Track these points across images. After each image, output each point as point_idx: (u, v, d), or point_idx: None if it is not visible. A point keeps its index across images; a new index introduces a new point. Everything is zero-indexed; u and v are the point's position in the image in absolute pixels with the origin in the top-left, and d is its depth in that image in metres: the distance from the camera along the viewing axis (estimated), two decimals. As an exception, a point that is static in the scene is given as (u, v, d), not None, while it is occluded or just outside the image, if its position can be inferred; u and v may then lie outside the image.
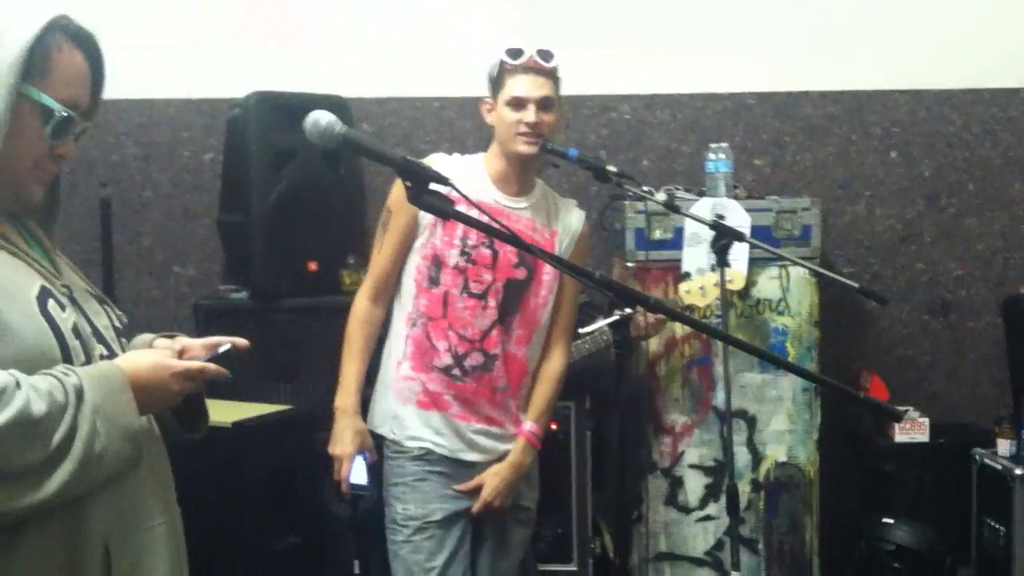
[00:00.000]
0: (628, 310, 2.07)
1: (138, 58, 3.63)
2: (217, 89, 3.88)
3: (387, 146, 1.81)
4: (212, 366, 1.64)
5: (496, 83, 2.64)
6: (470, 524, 2.70)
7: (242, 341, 1.71)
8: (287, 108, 3.48)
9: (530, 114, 2.58)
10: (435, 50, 3.95)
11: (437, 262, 2.62)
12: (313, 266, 3.61)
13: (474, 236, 2.58)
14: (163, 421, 1.68)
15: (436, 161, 2.64)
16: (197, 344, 1.69)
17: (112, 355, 1.61)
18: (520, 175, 2.67)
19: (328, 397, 3.01)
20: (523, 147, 2.60)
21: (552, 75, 2.64)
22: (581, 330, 3.23)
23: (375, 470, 2.71)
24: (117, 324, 1.68)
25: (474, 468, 2.69)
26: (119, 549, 1.54)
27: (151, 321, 3.85)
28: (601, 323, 3.22)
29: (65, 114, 1.55)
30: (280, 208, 3.53)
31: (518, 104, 2.60)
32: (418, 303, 2.64)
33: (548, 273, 2.70)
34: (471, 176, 2.63)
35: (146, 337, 1.73)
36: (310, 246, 3.62)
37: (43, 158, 1.57)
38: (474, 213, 1.88)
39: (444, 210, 1.76)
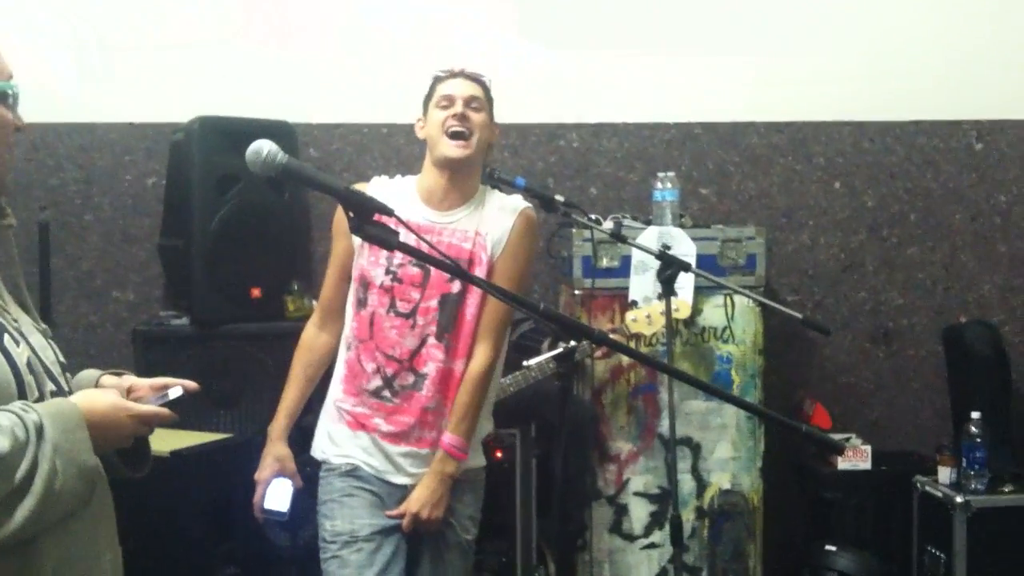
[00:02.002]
0: (572, 343, 2.07)
1: (80, 82, 3.59)
2: (160, 114, 3.84)
3: (329, 175, 1.80)
4: (166, 411, 1.64)
5: (427, 97, 2.67)
6: (404, 544, 2.62)
7: (193, 385, 1.70)
8: (231, 133, 3.45)
9: (457, 106, 2.59)
10: (381, 76, 3.94)
11: (364, 283, 2.61)
12: (256, 292, 3.56)
13: (400, 256, 2.55)
14: (107, 458, 1.66)
15: (372, 184, 2.66)
16: (145, 384, 1.68)
17: (60, 391, 1.61)
18: (450, 187, 2.62)
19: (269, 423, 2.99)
20: (452, 150, 2.57)
21: (481, 82, 2.66)
22: (525, 362, 3.24)
23: (301, 497, 2.68)
24: (61, 359, 1.68)
25: (403, 491, 2.62)
26: None
27: (89, 347, 3.81)
28: (545, 355, 3.23)
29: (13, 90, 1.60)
30: (223, 233, 3.48)
31: (447, 102, 2.61)
32: (352, 326, 2.64)
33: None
34: (401, 196, 2.60)
35: (92, 374, 1.73)
36: (253, 272, 3.58)
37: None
38: (413, 240, 1.90)
39: (387, 241, 1.74)
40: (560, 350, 2.40)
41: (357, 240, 2.58)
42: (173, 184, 3.59)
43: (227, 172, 3.47)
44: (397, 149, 3.97)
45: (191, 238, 3.47)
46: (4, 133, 1.59)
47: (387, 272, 2.59)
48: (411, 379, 2.60)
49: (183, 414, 1.69)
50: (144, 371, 3.38)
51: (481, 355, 2.64)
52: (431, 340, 2.60)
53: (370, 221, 1.72)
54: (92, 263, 3.93)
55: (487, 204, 2.68)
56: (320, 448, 2.68)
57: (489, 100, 2.68)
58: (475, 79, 2.65)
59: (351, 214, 1.72)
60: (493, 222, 2.66)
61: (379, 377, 2.60)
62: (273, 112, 3.67)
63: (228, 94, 3.80)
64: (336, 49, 3.99)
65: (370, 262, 2.60)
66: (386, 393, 2.60)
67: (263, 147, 1.72)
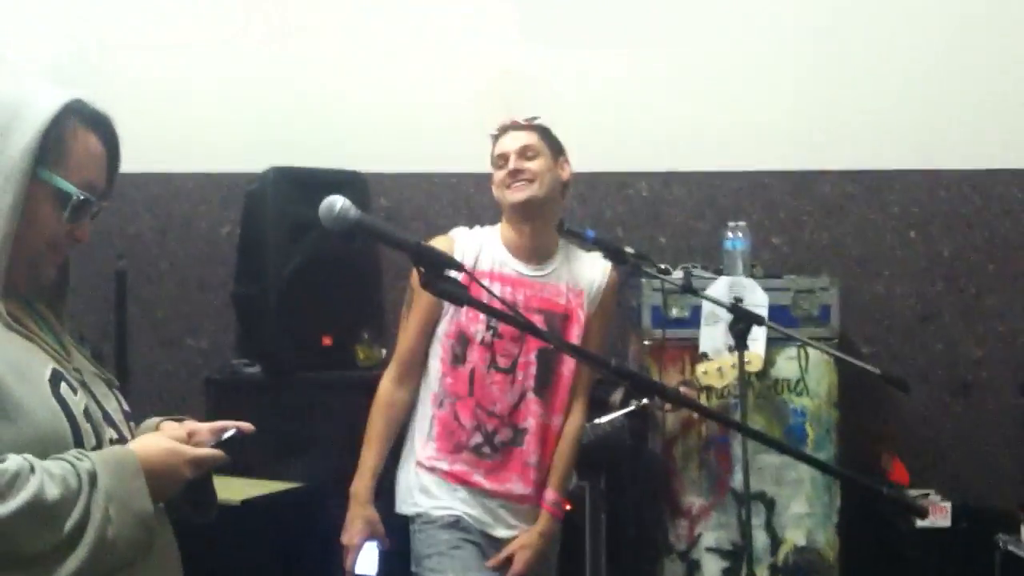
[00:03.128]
0: (644, 400, 2.05)
1: (157, 132, 3.66)
2: (235, 163, 3.90)
3: (400, 230, 1.79)
4: (220, 453, 1.63)
5: (492, 157, 2.70)
6: None
7: (247, 426, 1.69)
8: (304, 183, 3.51)
9: (511, 163, 2.61)
10: (452, 126, 3.97)
11: (463, 339, 2.59)
12: (327, 340, 3.59)
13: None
14: (172, 504, 1.65)
15: (455, 236, 2.65)
16: (204, 428, 1.67)
17: (122, 439, 1.60)
18: (532, 235, 2.65)
19: (340, 473, 2.97)
20: (511, 195, 2.61)
21: (534, 128, 2.68)
22: (597, 420, 3.20)
23: (388, 559, 2.65)
24: (125, 408, 1.68)
25: (500, 544, 2.64)
26: None
27: (163, 393, 3.85)
28: (617, 413, 3.19)
29: (82, 197, 1.56)
30: (295, 281, 3.52)
31: (502, 160, 2.64)
32: (444, 382, 2.61)
33: (575, 336, 2.67)
34: (492, 248, 2.63)
35: (153, 421, 1.72)
36: (324, 320, 3.61)
37: (58, 240, 1.57)
38: (484, 296, 1.90)
39: (458, 296, 1.74)
40: (632, 407, 2.39)
41: None
42: (247, 233, 3.65)
43: (300, 221, 3.51)
44: (467, 197, 3.99)
45: (265, 286, 3.52)
46: (45, 230, 1.55)
47: (488, 328, 2.59)
48: (511, 434, 2.62)
49: (254, 462, 1.69)
50: (216, 418, 3.40)
51: (578, 412, 2.74)
52: (530, 395, 2.61)
53: (441, 276, 1.72)
54: (167, 311, 3.99)
55: (575, 259, 2.72)
56: (413, 502, 2.64)
57: (548, 142, 2.68)
58: (526, 128, 2.66)
59: (422, 269, 1.71)
60: (586, 278, 2.70)
61: (479, 434, 2.60)
62: (344, 161, 3.72)
63: (300, 143, 3.85)
64: (406, 99, 4.02)
65: (468, 318, 2.58)
66: (486, 449, 2.60)
67: (336, 202, 1.73)
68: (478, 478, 2.60)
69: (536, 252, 2.66)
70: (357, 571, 2.60)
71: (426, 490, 2.62)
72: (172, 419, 1.71)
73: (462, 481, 2.60)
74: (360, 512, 2.60)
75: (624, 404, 3.22)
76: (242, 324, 3.75)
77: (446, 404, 2.60)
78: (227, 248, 3.89)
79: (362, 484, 2.61)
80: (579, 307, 2.66)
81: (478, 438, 2.60)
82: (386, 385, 2.66)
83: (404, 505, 2.64)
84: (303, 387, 3.54)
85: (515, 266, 2.64)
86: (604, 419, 3.18)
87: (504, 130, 2.67)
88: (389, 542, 2.65)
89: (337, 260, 3.62)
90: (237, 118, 3.96)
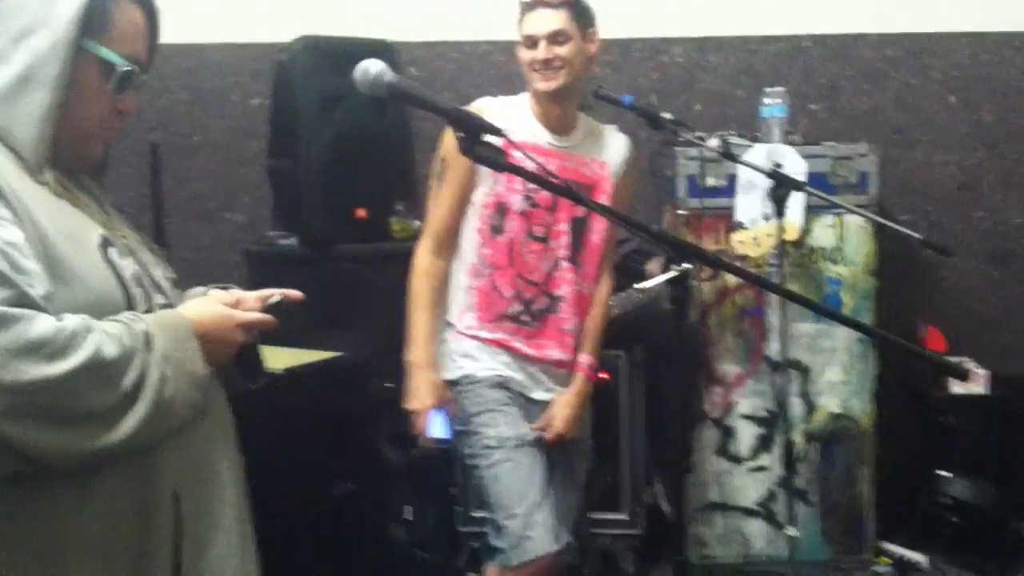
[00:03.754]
0: (686, 265, 2.03)
1: (184, 3, 3.59)
2: (264, 33, 3.84)
3: (436, 95, 1.76)
4: (270, 317, 1.66)
5: (519, 23, 2.60)
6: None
7: (295, 293, 1.72)
8: (334, 53, 3.45)
9: (540, 51, 2.54)
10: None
11: (502, 209, 2.58)
12: (362, 213, 3.58)
13: None
14: (222, 370, 1.67)
15: (484, 106, 2.59)
16: (251, 296, 1.69)
17: (170, 304, 1.62)
18: (561, 113, 2.62)
19: (379, 344, 2.99)
20: (540, 84, 2.56)
21: (566, 5, 2.57)
22: (637, 285, 3.19)
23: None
24: (171, 275, 1.69)
25: (540, 407, 2.68)
26: (188, 495, 1.56)
27: (201, 267, 3.86)
28: (659, 279, 3.17)
29: (128, 68, 1.56)
30: (329, 154, 3.50)
31: (530, 42, 2.56)
32: (482, 253, 2.60)
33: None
34: (520, 118, 2.59)
35: (200, 289, 1.74)
36: (359, 192, 3.60)
37: (107, 115, 1.58)
38: (525, 162, 1.87)
39: (497, 162, 1.72)
40: (674, 273, 2.37)
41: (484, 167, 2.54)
42: (278, 105, 3.61)
43: (331, 93, 3.47)
44: (497, 67, 3.92)
45: (298, 160, 3.50)
46: (95, 104, 1.55)
47: (525, 198, 2.57)
48: (548, 302, 2.64)
49: (295, 332, 1.71)
50: (255, 289, 3.44)
51: (607, 280, 2.77)
52: (563, 264, 2.62)
53: (480, 142, 1.69)
54: (202, 184, 3.98)
55: (595, 131, 2.69)
56: (458, 366, 2.64)
57: (579, 16, 2.58)
58: (557, 5, 2.55)
59: (461, 135, 1.69)
60: (611, 150, 2.68)
61: (518, 302, 2.62)
62: (373, 31, 3.65)
63: (329, 12, 3.79)
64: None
65: (507, 188, 2.56)
66: (525, 317, 2.63)
67: (371, 67, 1.71)
68: (518, 344, 2.63)
69: (563, 124, 2.64)
70: (432, 434, 2.60)
71: (468, 354, 2.64)
72: (217, 287, 1.73)
73: (504, 347, 2.63)
74: (426, 377, 2.59)
75: (664, 271, 3.21)
76: (278, 197, 3.74)
77: (485, 274, 2.60)
78: (259, 120, 3.85)
79: (421, 350, 2.60)
80: (604, 178, 2.66)
81: (517, 306, 2.61)
82: (424, 256, 2.63)
83: (446, 371, 2.65)
84: (340, 259, 3.55)
85: (546, 137, 2.62)
86: (643, 285, 3.18)
87: (533, 5, 2.56)
88: (453, 406, 2.65)
89: (369, 132, 3.58)
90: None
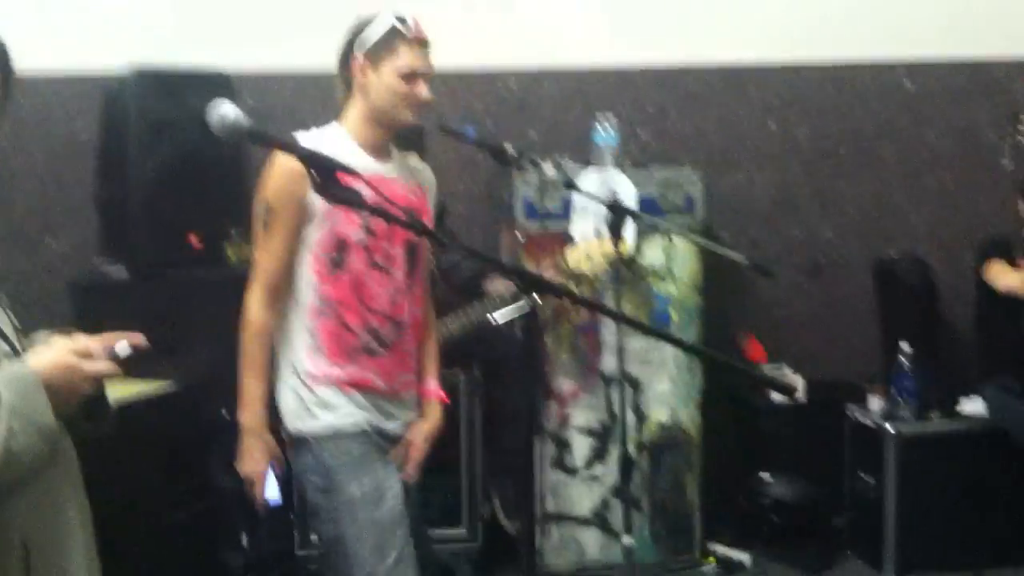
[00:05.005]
0: (536, 298, 2.07)
1: (11, 31, 3.46)
2: (90, 62, 3.75)
3: (291, 138, 1.79)
4: (116, 368, 1.66)
5: (384, 47, 2.49)
6: None
7: (138, 338, 1.70)
8: (167, 82, 3.43)
9: (425, 90, 2.50)
10: (317, 22, 3.87)
11: (341, 245, 2.50)
12: (194, 239, 3.53)
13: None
14: (71, 419, 1.67)
15: (305, 141, 2.39)
16: (97, 345, 1.67)
17: (15, 352, 1.61)
18: (387, 141, 2.58)
19: (212, 371, 2.97)
20: (409, 117, 2.52)
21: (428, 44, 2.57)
22: (493, 318, 3.28)
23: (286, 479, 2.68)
24: (15, 322, 1.68)
25: (390, 436, 2.63)
26: (37, 545, 1.57)
27: (23, 297, 3.71)
28: (512, 310, 3.28)
29: None
30: (159, 181, 3.45)
31: (412, 77, 2.50)
32: (322, 292, 2.52)
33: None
34: (342, 149, 2.49)
35: (43, 335, 1.73)
36: (191, 218, 3.55)
37: None
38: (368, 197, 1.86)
39: (353, 202, 1.72)
40: (526, 307, 2.42)
41: (320, 204, 2.43)
42: (107, 133, 3.53)
43: (163, 121, 3.45)
44: (336, 97, 3.90)
45: (127, 187, 3.43)
46: None
47: (364, 229, 2.50)
48: (394, 329, 2.58)
49: (129, 358, 1.71)
50: (81, 320, 3.38)
51: (429, 300, 2.75)
52: (402, 288, 2.58)
53: (335, 182, 1.70)
54: (26, 212, 3.86)
55: (404, 157, 2.66)
56: (315, 417, 2.53)
57: None
58: (427, 44, 2.53)
59: (316, 176, 1.70)
60: (424, 176, 2.68)
61: (368, 333, 2.55)
62: (206, 59, 3.62)
63: (160, 42, 3.74)
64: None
65: (345, 223, 2.48)
66: (374, 346, 2.55)
67: (228, 113, 1.70)
68: (372, 377, 2.56)
69: (385, 149, 2.59)
70: (267, 497, 2.56)
71: (326, 403, 2.54)
72: (61, 332, 1.71)
73: (357, 385, 2.56)
74: (258, 441, 2.52)
75: (514, 300, 3.32)
76: (105, 226, 3.65)
77: (328, 313, 2.52)
78: (85, 147, 3.75)
79: (254, 412, 2.52)
80: (425, 202, 2.63)
81: (366, 338, 2.55)
82: (258, 311, 2.50)
83: (300, 422, 2.54)
84: (171, 287, 3.50)
85: (371, 165, 2.53)
86: (497, 316, 3.27)
87: (414, 41, 2.49)
88: (281, 465, 2.60)
89: (201, 158, 3.53)
90: (92, 13, 3.82)
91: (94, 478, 1.78)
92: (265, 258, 2.51)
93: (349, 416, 2.53)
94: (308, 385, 2.54)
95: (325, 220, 2.47)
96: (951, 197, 4.39)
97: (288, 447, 2.55)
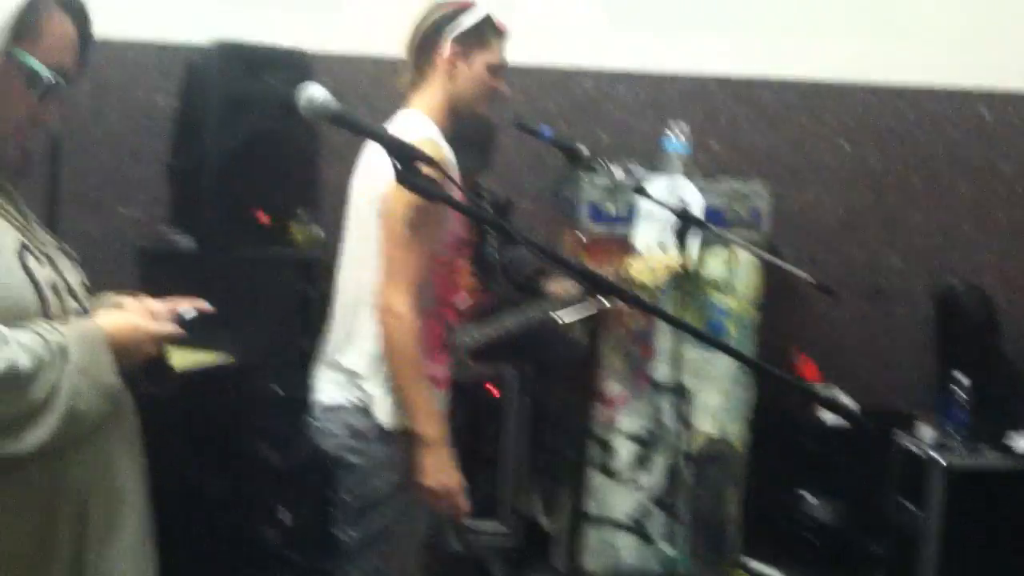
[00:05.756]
0: (605, 302, 2.04)
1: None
2: (174, 33, 3.80)
3: (375, 125, 1.77)
4: (182, 331, 1.68)
5: (479, 37, 2.46)
6: None
7: (204, 305, 1.74)
8: (248, 59, 3.46)
9: (504, 84, 2.51)
10: (398, 7, 3.87)
11: (456, 243, 2.45)
12: (263, 217, 3.56)
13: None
14: (132, 376, 1.69)
15: (436, 138, 2.41)
16: (163, 307, 1.71)
17: (84, 310, 1.63)
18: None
19: (268, 348, 2.99)
20: (486, 106, 2.52)
21: None
22: (561, 320, 3.27)
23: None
24: (86, 281, 1.70)
25: None
26: (95, 502, 1.59)
27: (93, 262, 3.78)
28: (581, 313, 3.29)
29: (53, 80, 1.56)
30: (234, 157, 3.47)
31: (499, 71, 2.50)
32: (437, 291, 2.45)
33: None
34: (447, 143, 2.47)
35: (111, 296, 1.75)
36: (261, 197, 3.57)
37: (25, 122, 1.57)
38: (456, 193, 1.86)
39: (432, 192, 1.70)
40: (594, 310, 2.35)
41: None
42: (186, 105, 3.57)
43: (242, 97, 3.47)
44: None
45: (203, 160, 3.46)
46: (13, 110, 1.55)
47: (463, 225, 2.45)
48: (458, 322, 2.59)
49: (195, 323, 1.73)
50: (146, 288, 3.39)
51: None
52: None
53: (418, 173, 1.68)
54: (99, 179, 3.92)
55: None
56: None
57: None
58: None
59: (397, 164, 1.68)
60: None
61: (450, 329, 2.53)
62: (287, 38, 3.64)
63: (244, 18, 3.76)
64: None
65: (456, 219, 2.40)
66: (450, 340, 2.54)
67: (316, 94, 1.70)
68: (447, 372, 2.53)
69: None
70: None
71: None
72: (129, 295, 1.74)
73: (444, 384, 2.51)
74: (447, 451, 2.37)
75: (574, 295, 3.32)
76: (177, 197, 3.69)
77: (436, 312, 2.44)
78: (162, 119, 3.79)
79: (437, 422, 2.36)
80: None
81: (448, 334, 2.52)
82: (407, 313, 2.31)
83: (391, 419, 2.38)
84: (237, 262, 3.51)
85: (448, 155, 2.47)
86: (565, 318, 3.27)
87: (503, 33, 2.48)
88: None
89: (276, 138, 3.55)
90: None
91: (147, 444, 1.81)
92: (412, 257, 2.33)
93: None
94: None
95: (448, 217, 2.40)
96: (1020, 233, 4.31)
97: (352, 436, 2.40)
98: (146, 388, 1.74)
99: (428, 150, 2.23)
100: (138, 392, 1.73)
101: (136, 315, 1.64)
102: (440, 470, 2.34)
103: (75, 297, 1.62)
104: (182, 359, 3.06)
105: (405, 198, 2.26)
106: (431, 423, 2.33)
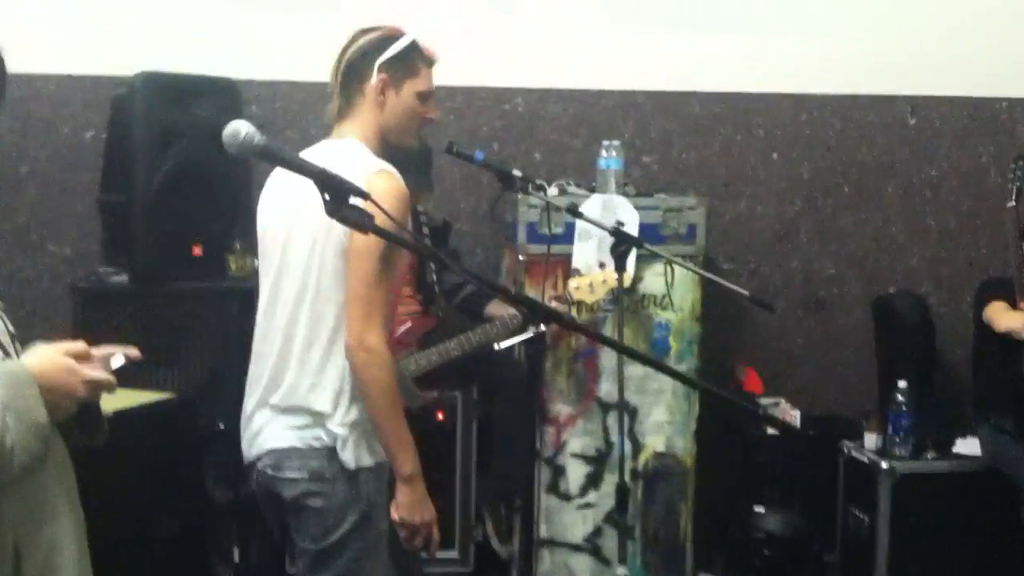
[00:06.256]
0: (543, 327, 2.05)
1: (19, 32, 3.48)
2: (99, 66, 3.75)
3: (304, 159, 1.76)
4: (113, 379, 1.65)
5: (407, 65, 2.43)
6: None
7: (134, 352, 1.70)
8: (174, 88, 3.43)
9: (432, 110, 2.49)
10: (325, 32, 3.86)
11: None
12: (197, 250, 3.53)
13: None
14: (64, 427, 1.65)
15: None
16: (96, 354, 1.67)
17: (9, 358, 1.60)
18: None
19: (208, 382, 2.94)
20: (413, 141, 2.50)
21: None
22: (498, 345, 3.29)
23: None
24: (11, 328, 1.66)
25: None
26: (29, 549, 1.55)
27: (25, 302, 3.73)
28: (518, 338, 3.29)
29: None
30: (165, 189, 3.44)
31: (428, 98, 2.48)
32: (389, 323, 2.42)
33: None
34: (367, 167, 2.38)
35: (41, 347, 1.70)
36: (195, 229, 3.55)
37: None
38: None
39: (364, 225, 1.69)
40: (531, 334, 2.34)
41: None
42: (114, 138, 3.54)
43: (170, 128, 3.44)
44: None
45: (133, 193, 3.42)
46: None
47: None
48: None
49: (123, 370, 1.70)
50: (83, 327, 3.37)
51: None
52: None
53: (347, 204, 1.68)
54: (29, 216, 3.85)
55: None
56: (374, 450, 2.37)
57: None
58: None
59: (327, 197, 1.68)
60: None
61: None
62: (214, 68, 3.62)
63: (168, 47, 3.73)
64: (280, 3, 3.92)
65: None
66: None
67: (241, 128, 1.69)
68: None
69: None
70: None
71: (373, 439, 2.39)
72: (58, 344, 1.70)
73: None
74: (423, 486, 2.35)
75: (520, 326, 3.33)
76: (108, 231, 3.65)
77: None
78: (91, 153, 3.76)
79: (416, 458, 2.33)
80: None
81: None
82: (382, 348, 2.28)
83: (357, 455, 2.33)
84: (173, 296, 3.49)
85: None
86: (504, 343, 3.29)
87: (432, 61, 2.46)
88: None
89: (207, 168, 3.52)
90: (103, 16, 3.80)
91: (86, 486, 1.76)
92: (382, 291, 2.29)
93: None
94: (365, 424, 2.36)
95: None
96: (952, 235, 4.40)
97: (312, 480, 2.32)
98: (78, 440, 1.70)
99: (385, 183, 2.25)
100: (70, 442, 1.68)
101: (64, 355, 1.59)
102: (417, 504, 2.32)
103: (2, 347, 1.59)
104: (121, 400, 3.02)
105: (369, 235, 2.09)
106: (408, 457, 2.30)
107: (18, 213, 3.85)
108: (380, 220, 1.73)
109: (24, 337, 1.71)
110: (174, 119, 3.42)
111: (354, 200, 1.69)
